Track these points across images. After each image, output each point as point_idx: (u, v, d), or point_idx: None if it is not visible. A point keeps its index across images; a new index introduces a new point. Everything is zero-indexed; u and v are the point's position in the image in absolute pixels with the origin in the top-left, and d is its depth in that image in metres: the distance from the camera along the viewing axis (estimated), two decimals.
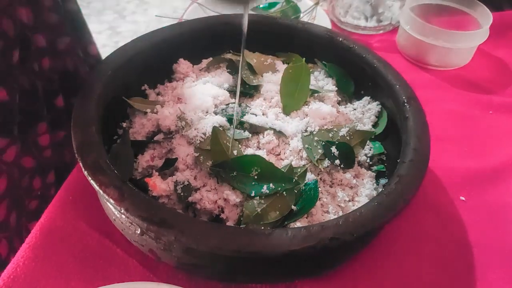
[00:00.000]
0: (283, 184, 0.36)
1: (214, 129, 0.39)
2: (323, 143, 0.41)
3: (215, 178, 0.38)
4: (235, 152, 0.38)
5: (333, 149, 0.40)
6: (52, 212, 0.43)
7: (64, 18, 0.51)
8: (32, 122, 0.49)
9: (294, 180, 0.37)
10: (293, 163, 0.39)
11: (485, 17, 0.63)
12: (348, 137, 0.42)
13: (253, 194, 0.36)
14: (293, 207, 0.37)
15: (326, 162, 0.40)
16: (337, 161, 0.40)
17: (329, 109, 0.44)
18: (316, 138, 0.41)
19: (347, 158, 0.41)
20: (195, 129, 0.39)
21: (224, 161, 0.37)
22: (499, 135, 0.54)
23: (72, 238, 0.41)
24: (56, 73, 0.51)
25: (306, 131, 0.42)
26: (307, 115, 0.43)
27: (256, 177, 0.37)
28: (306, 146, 0.40)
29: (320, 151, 0.40)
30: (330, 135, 0.42)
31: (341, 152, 0.41)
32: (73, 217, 0.42)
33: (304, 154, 0.40)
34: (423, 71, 0.64)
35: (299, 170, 0.39)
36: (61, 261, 0.39)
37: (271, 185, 0.36)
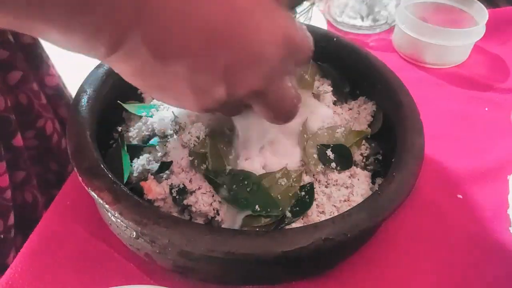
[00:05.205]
0: (269, 209, 0.36)
1: (212, 133, 0.39)
2: (318, 147, 0.40)
3: None
4: (231, 158, 0.38)
5: (329, 152, 0.40)
6: (49, 217, 0.43)
7: (14, 53, 0.51)
8: None
9: (280, 209, 0.36)
10: (288, 165, 0.39)
11: (481, 14, 0.63)
12: (343, 138, 0.42)
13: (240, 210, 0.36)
14: (287, 213, 0.37)
15: (321, 166, 0.40)
16: (333, 164, 0.40)
17: (325, 109, 0.44)
18: (311, 142, 0.41)
19: (344, 160, 0.41)
20: (188, 132, 0.39)
21: (220, 170, 0.37)
22: (495, 132, 0.54)
23: (70, 243, 0.41)
24: (12, 111, 0.50)
25: (302, 132, 0.42)
26: (303, 116, 0.43)
27: (248, 193, 0.37)
28: (302, 148, 0.40)
29: (315, 155, 0.40)
30: (325, 134, 0.42)
31: (337, 154, 0.40)
32: (70, 222, 0.42)
33: (300, 156, 0.40)
34: (420, 70, 0.64)
35: (294, 173, 0.39)
36: (58, 266, 0.39)
37: (257, 207, 0.36)
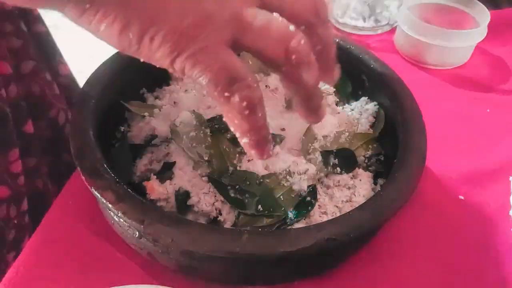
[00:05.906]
0: (271, 210, 0.36)
1: (214, 133, 0.39)
2: (321, 153, 0.41)
3: None
4: (234, 158, 0.39)
5: (332, 157, 0.40)
6: (52, 217, 0.43)
7: (27, 42, 0.51)
8: (3, 149, 0.48)
9: (283, 209, 0.37)
10: (291, 168, 0.39)
11: (483, 16, 0.63)
12: (348, 144, 0.42)
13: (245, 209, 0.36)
14: (289, 213, 0.37)
15: (325, 172, 0.40)
16: (338, 169, 0.40)
17: (330, 112, 0.44)
18: (315, 148, 0.41)
19: (348, 163, 0.41)
20: (185, 136, 0.39)
21: (223, 171, 0.37)
22: (497, 133, 0.54)
23: (72, 242, 0.41)
24: (23, 98, 0.50)
25: (305, 137, 0.42)
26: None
27: (251, 193, 0.37)
28: (305, 154, 0.41)
29: (318, 162, 0.40)
30: (329, 140, 0.42)
31: (340, 158, 0.41)
32: (73, 221, 0.42)
33: (303, 160, 0.40)
34: (422, 71, 0.64)
35: (297, 174, 0.39)
36: (61, 266, 0.39)
37: (259, 207, 0.36)
